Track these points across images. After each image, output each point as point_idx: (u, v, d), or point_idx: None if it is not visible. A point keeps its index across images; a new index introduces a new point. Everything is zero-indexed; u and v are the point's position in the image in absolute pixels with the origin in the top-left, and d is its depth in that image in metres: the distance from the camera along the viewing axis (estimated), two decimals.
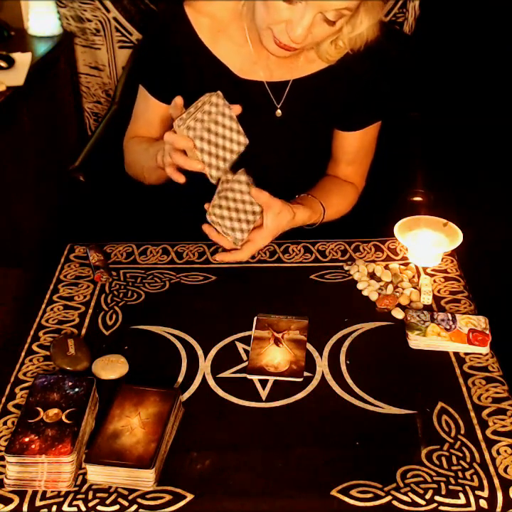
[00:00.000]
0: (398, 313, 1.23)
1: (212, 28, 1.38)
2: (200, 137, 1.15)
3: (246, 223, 1.22)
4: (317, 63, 1.39)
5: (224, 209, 1.19)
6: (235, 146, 1.19)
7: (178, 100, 1.18)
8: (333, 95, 1.43)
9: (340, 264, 1.36)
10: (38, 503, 0.93)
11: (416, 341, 1.17)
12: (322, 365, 1.14)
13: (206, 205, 1.20)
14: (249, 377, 1.12)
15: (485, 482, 0.95)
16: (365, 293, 1.29)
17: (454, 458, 0.99)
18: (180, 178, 1.19)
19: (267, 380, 1.11)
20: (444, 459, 0.99)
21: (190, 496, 0.93)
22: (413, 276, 1.32)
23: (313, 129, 1.47)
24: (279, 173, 1.41)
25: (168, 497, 0.93)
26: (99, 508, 0.93)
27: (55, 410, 0.99)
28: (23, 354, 1.15)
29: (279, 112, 1.43)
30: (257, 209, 1.23)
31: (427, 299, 1.26)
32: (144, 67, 1.51)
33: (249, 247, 1.25)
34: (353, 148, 1.49)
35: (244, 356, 1.15)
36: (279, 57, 1.31)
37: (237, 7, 1.36)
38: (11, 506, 0.93)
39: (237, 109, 1.20)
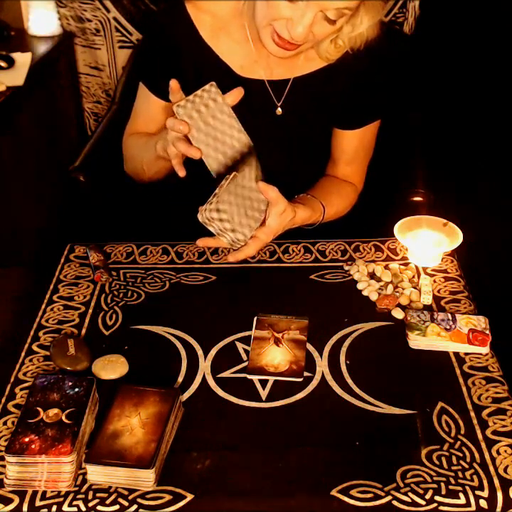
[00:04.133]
0: (398, 313, 1.23)
1: (213, 25, 1.38)
2: (197, 127, 1.16)
3: (253, 220, 1.18)
4: (317, 62, 1.40)
5: (233, 205, 1.17)
6: (235, 142, 1.19)
7: (173, 84, 1.18)
8: (333, 94, 1.43)
9: (340, 264, 1.36)
10: (38, 503, 0.93)
11: (416, 341, 1.17)
12: (322, 365, 1.14)
13: (200, 207, 1.19)
14: (249, 377, 1.12)
15: (485, 482, 0.95)
16: (365, 293, 1.29)
17: (454, 458, 0.99)
18: (182, 172, 1.21)
19: (267, 380, 1.11)
20: (444, 459, 0.99)
21: (190, 496, 0.93)
22: (413, 276, 1.32)
23: (314, 128, 1.47)
24: (279, 171, 1.40)
25: (168, 497, 0.93)
26: (99, 508, 0.93)
27: (55, 410, 0.99)
28: (23, 354, 1.15)
29: (279, 110, 1.43)
30: (263, 207, 1.20)
31: (427, 299, 1.26)
32: (144, 64, 1.51)
33: (256, 242, 1.22)
34: (352, 148, 1.49)
35: (244, 356, 1.15)
36: (280, 58, 1.31)
37: (238, 5, 1.36)
38: (11, 506, 0.92)
39: (236, 95, 1.20)
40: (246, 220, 1.17)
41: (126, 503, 0.93)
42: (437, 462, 0.98)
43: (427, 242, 1.35)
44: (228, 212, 1.14)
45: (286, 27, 1.23)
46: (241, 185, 1.18)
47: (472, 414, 1.05)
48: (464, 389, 1.09)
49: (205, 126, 1.17)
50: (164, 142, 1.24)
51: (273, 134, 1.44)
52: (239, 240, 1.18)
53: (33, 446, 0.94)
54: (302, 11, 1.20)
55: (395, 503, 0.93)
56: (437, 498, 0.94)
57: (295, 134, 1.46)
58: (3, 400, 1.07)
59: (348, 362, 1.14)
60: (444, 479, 0.96)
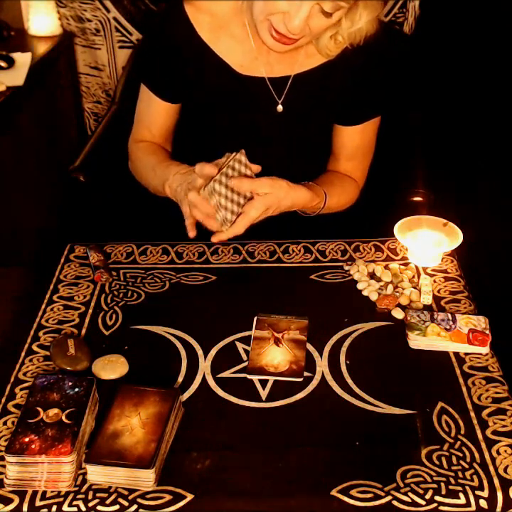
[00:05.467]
0: (398, 313, 1.23)
1: (212, 25, 1.38)
2: (219, 193, 1.17)
3: (237, 205, 1.20)
4: (317, 58, 1.40)
5: (223, 186, 1.18)
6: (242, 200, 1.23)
7: (207, 169, 1.19)
8: (333, 90, 1.43)
9: (340, 264, 1.36)
10: (38, 503, 0.93)
11: (416, 341, 1.17)
12: (322, 365, 1.14)
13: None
14: (249, 377, 1.12)
15: (485, 482, 0.95)
16: (365, 293, 1.29)
17: (454, 458, 0.99)
18: (192, 234, 1.25)
19: (267, 380, 1.11)
20: (444, 459, 0.99)
21: (190, 496, 0.93)
22: (413, 276, 1.32)
23: (314, 124, 1.47)
24: (280, 168, 1.41)
25: (168, 497, 0.93)
26: (99, 508, 0.93)
27: (55, 410, 0.99)
28: (23, 354, 1.15)
29: (280, 107, 1.43)
30: (248, 194, 1.22)
31: (427, 299, 1.26)
32: (145, 65, 1.52)
33: (243, 219, 1.21)
34: (353, 144, 1.49)
35: (244, 356, 1.15)
36: (278, 52, 1.31)
37: (238, 4, 1.36)
38: (11, 506, 0.92)
39: (256, 168, 1.24)
40: (230, 205, 1.19)
41: (126, 503, 0.93)
42: (437, 462, 0.98)
43: (427, 242, 1.35)
44: (222, 190, 1.17)
45: (283, 21, 1.23)
46: (236, 169, 1.20)
47: (472, 414, 1.05)
48: (464, 389, 1.09)
49: (225, 190, 1.19)
50: (179, 196, 1.27)
51: (274, 131, 1.45)
52: (226, 219, 1.19)
53: (33, 446, 0.94)
54: (298, 4, 1.21)
55: (395, 503, 0.93)
56: (437, 498, 0.94)
57: (296, 130, 1.46)
58: (3, 400, 1.07)
59: (348, 362, 1.14)
60: (444, 479, 0.96)
